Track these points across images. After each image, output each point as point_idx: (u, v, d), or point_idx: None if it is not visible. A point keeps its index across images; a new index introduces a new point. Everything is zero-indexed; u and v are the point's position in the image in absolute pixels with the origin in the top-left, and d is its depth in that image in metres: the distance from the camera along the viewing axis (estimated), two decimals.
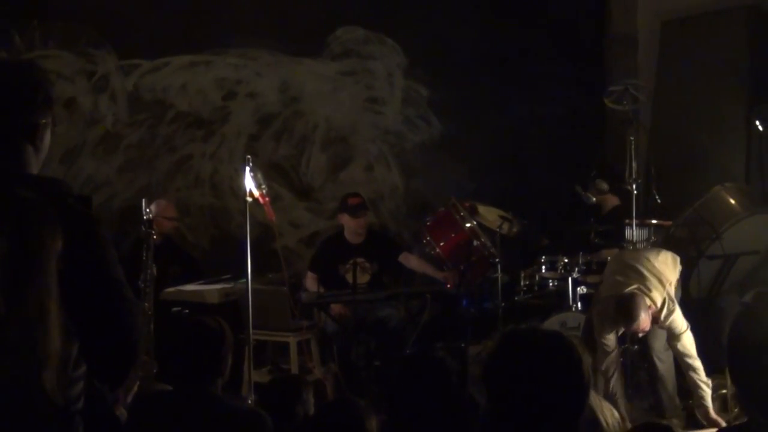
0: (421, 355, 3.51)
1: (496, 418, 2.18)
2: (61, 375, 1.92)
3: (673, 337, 5.58)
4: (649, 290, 5.50)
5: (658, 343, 5.76)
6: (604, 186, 6.88)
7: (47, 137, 2.17)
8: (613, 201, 6.97)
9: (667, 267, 5.65)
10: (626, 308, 5.44)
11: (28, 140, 2.11)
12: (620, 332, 5.67)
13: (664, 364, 5.76)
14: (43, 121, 2.14)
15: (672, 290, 5.60)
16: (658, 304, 5.49)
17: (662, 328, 5.59)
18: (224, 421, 3.20)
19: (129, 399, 4.14)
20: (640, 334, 5.54)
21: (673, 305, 5.53)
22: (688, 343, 5.54)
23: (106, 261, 2.07)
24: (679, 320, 5.54)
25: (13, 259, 1.87)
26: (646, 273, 5.59)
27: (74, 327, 1.96)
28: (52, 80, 7.19)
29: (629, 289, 5.49)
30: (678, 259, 5.77)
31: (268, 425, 3.28)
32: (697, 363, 5.54)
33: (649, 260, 5.64)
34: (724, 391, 5.64)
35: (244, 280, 5.29)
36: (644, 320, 5.39)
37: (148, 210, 5.06)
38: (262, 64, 7.95)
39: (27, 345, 1.86)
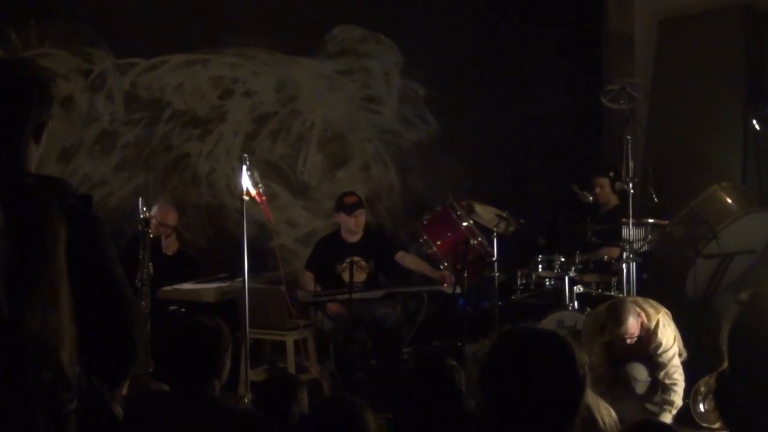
0: (430, 364, 3.49)
1: (492, 417, 2.18)
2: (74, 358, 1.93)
3: (663, 350, 5.44)
4: (644, 308, 5.47)
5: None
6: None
7: (45, 134, 2.18)
8: (615, 200, 7.01)
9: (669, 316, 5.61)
10: (615, 310, 5.39)
11: (34, 138, 2.12)
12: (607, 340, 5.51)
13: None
14: (46, 118, 2.15)
15: (668, 320, 5.50)
16: (652, 319, 5.42)
17: (653, 343, 5.45)
18: (222, 423, 3.17)
19: (123, 391, 4.14)
20: (628, 341, 5.38)
21: (669, 325, 5.45)
22: (672, 363, 5.41)
23: (108, 260, 2.08)
24: (669, 337, 5.44)
25: (23, 248, 1.87)
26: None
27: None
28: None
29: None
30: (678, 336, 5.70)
31: (266, 427, 3.24)
32: (677, 387, 5.40)
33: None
34: None
35: (241, 278, 5.30)
36: (632, 325, 5.31)
37: (144, 209, 5.06)
38: (259, 63, 7.94)
39: (41, 333, 1.87)
